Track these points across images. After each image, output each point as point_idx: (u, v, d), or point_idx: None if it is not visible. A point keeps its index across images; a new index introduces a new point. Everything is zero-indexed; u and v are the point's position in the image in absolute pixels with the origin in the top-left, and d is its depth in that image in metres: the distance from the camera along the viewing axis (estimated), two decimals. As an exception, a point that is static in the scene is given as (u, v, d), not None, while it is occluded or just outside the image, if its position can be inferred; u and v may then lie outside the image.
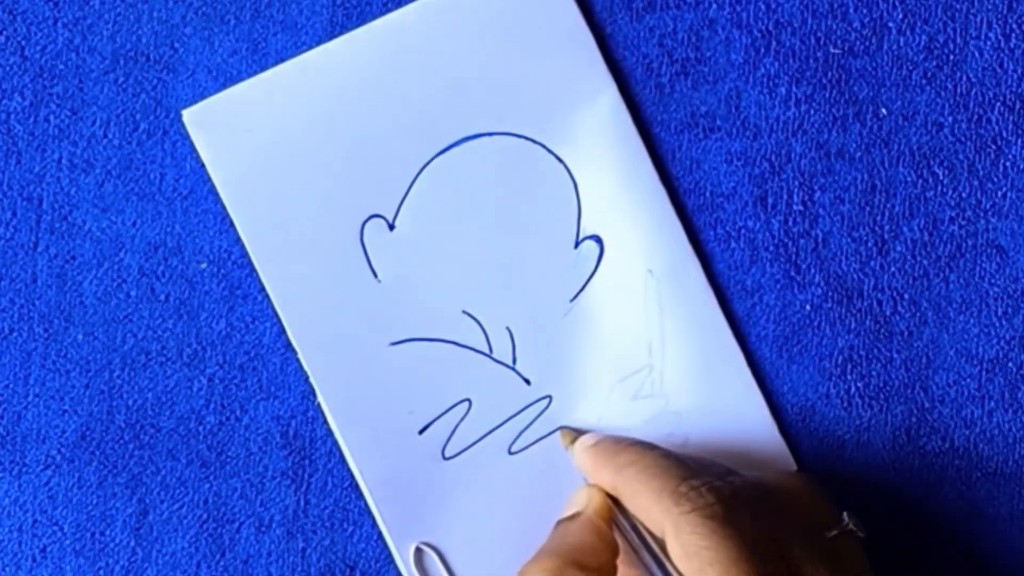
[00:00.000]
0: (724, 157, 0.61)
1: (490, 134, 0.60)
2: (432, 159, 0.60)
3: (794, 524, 0.55)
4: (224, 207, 0.60)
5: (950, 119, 0.61)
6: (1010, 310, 0.61)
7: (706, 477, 0.55)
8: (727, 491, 0.54)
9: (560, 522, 0.57)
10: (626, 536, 0.56)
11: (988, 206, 0.61)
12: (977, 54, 0.61)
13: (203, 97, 0.60)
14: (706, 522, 0.53)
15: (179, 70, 0.60)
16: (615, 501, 0.57)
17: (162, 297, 0.60)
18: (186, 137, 0.60)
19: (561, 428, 0.60)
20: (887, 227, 0.61)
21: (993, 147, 0.61)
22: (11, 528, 0.60)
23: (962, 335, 0.61)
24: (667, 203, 0.60)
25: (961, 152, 0.61)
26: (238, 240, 0.60)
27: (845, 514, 0.56)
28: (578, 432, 0.60)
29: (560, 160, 0.60)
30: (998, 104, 0.61)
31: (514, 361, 0.60)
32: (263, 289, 0.60)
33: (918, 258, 0.61)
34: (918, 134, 0.61)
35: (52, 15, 0.60)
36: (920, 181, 0.61)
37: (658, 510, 0.54)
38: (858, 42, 0.61)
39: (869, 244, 0.61)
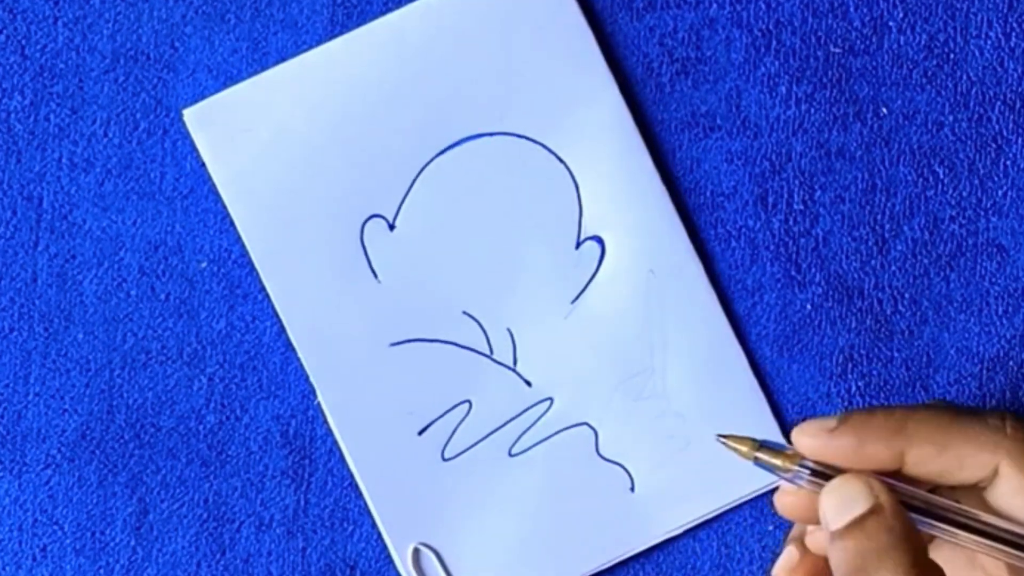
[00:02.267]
0: (724, 156, 0.61)
1: (491, 134, 0.60)
2: (433, 159, 0.60)
3: None
4: (224, 206, 0.60)
5: (951, 118, 0.61)
6: (1011, 309, 0.61)
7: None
8: None
9: (836, 537, 0.46)
10: (919, 505, 0.47)
11: (988, 205, 0.61)
12: (978, 53, 0.61)
13: (203, 96, 0.60)
14: None
15: (179, 69, 0.60)
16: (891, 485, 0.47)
17: (162, 296, 0.60)
18: (186, 136, 0.60)
19: (719, 436, 0.49)
20: (888, 226, 0.61)
21: (993, 146, 0.61)
22: (11, 527, 0.60)
23: (963, 334, 0.61)
24: (668, 203, 0.60)
25: (962, 151, 0.61)
26: (238, 239, 0.60)
27: None
28: (740, 436, 0.49)
29: (561, 160, 0.60)
30: (998, 103, 0.61)
31: (515, 362, 0.60)
32: (263, 288, 0.60)
33: (919, 257, 0.61)
34: (919, 133, 0.61)
35: (52, 14, 0.60)
36: (921, 180, 0.61)
37: (990, 441, 0.46)
38: (858, 41, 0.61)
39: (870, 243, 0.61)
